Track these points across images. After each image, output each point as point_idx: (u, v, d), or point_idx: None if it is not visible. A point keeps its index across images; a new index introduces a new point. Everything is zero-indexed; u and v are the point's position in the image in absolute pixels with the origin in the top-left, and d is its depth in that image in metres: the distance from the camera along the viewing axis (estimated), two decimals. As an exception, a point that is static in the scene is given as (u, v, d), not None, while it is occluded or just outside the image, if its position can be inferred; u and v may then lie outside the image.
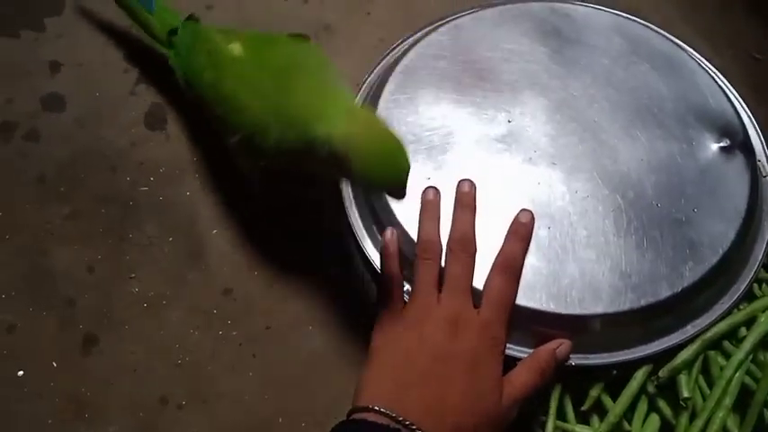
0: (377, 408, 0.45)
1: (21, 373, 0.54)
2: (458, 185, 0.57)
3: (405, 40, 0.72)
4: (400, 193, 0.51)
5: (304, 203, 0.63)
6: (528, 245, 0.56)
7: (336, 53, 0.71)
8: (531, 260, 0.56)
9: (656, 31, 0.71)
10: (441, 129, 0.63)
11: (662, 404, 0.55)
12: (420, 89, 0.65)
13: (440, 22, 0.72)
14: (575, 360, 0.55)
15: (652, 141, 0.62)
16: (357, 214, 0.62)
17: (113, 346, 0.55)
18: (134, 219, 0.61)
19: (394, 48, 0.72)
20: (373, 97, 0.66)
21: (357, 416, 0.46)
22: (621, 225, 0.58)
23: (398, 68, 0.67)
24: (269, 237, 0.61)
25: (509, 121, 0.63)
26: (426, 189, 0.57)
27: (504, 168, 0.61)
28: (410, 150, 0.58)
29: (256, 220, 0.62)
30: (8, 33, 0.69)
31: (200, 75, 0.55)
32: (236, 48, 0.53)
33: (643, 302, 0.54)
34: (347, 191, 0.62)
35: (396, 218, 0.58)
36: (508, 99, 0.65)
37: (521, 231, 0.56)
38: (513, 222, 0.56)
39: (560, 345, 0.53)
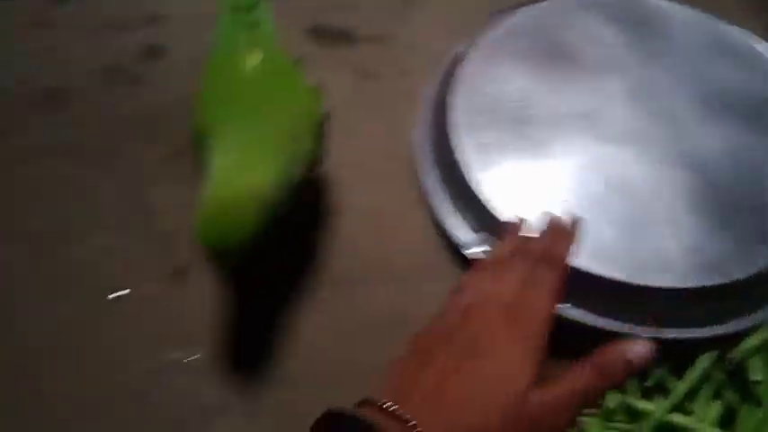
0: (379, 402, 0.38)
1: (116, 295, 0.56)
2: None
3: (491, 16, 0.74)
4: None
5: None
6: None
7: (424, 25, 0.73)
8: (608, 231, 0.58)
9: (736, 28, 0.73)
10: (520, 101, 0.65)
11: (727, 389, 0.55)
12: (502, 63, 0.68)
13: (521, 4, 0.75)
14: (648, 333, 0.56)
15: (732, 131, 0.63)
16: (433, 177, 0.64)
17: (202, 277, 0.58)
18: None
19: (476, 26, 0.74)
20: (454, 66, 0.69)
21: (351, 411, 0.38)
22: (696, 206, 0.59)
23: (482, 42, 0.70)
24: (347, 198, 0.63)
25: (588, 100, 0.65)
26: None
27: (582, 144, 0.62)
28: (490, 120, 0.61)
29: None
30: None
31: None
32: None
33: (715, 281, 0.56)
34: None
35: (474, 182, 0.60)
36: (588, 80, 0.67)
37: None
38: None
39: (634, 344, 0.43)
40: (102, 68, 0.68)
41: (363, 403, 0.39)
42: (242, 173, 0.47)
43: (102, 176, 0.62)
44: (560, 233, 0.50)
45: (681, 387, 0.54)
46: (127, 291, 0.56)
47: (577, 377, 0.42)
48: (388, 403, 0.37)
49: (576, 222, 0.52)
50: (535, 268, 0.46)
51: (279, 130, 0.50)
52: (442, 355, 0.41)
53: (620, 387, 0.42)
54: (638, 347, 0.43)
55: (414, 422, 0.36)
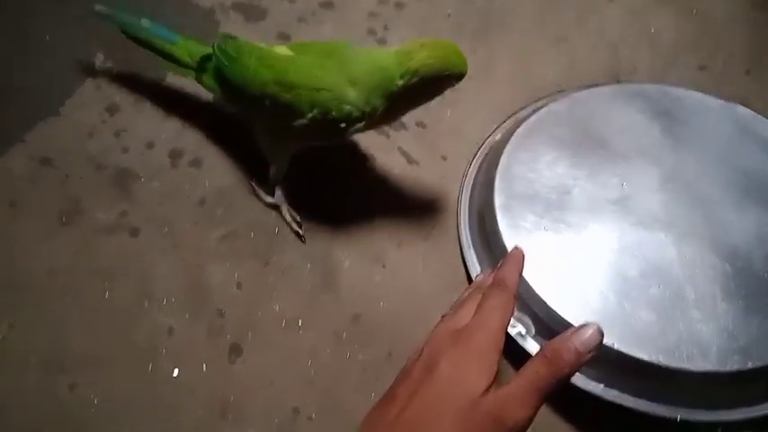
0: None
1: (176, 372, 0.60)
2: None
3: (525, 107, 0.79)
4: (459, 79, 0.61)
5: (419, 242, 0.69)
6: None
7: (463, 116, 0.78)
8: (641, 315, 0.60)
9: (763, 119, 0.76)
10: (558, 187, 0.68)
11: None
12: (539, 150, 0.72)
13: (558, 94, 0.79)
14: (680, 414, 0.58)
15: (763, 217, 0.66)
16: (474, 258, 0.68)
17: (255, 357, 0.62)
18: (278, 245, 0.68)
19: (515, 112, 0.79)
20: (494, 155, 0.73)
21: None
22: (729, 290, 0.61)
23: (519, 130, 0.74)
24: (396, 272, 0.67)
25: (622, 185, 0.68)
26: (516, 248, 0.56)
27: (617, 229, 0.66)
28: (529, 204, 0.65)
29: (383, 256, 0.68)
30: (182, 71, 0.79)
31: (256, 77, 0.61)
32: (282, 49, 0.62)
33: (750, 365, 0.58)
34: (465, 236, 0.69)
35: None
36: (622, 167, 0.70)
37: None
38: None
39: (583, 332, 0.45)
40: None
41: None
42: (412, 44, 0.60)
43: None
44: (511, 261, 0.54)
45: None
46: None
47: (530, 370, 0.44)
48: None
49: (521, 252, 0.55)
50: (488, 295, 0.50)
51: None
52: (403, 388, 0.46)
53: (571, 375, 0.44)
54: (587, 335, 0.45)
55: None
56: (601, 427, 0.60)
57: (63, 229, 0.67)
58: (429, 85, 0.60)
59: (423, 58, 0.58)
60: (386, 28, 0.86)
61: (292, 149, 0.68)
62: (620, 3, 0.92)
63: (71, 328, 0.62)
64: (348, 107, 0.59)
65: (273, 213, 0.70)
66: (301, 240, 0.68)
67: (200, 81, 0.68)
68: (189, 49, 0.68)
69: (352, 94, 0.59)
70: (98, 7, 0.71)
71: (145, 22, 0.69)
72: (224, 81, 0.65)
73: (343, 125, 0.60)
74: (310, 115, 0.60)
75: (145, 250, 0.67)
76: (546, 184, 0.69)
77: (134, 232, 0.68)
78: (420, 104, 0.63)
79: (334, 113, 0.59)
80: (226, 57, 0.63)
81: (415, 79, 0.59)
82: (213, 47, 0.65)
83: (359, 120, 0.60)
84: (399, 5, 0.89)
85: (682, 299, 0.61)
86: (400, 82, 0.59)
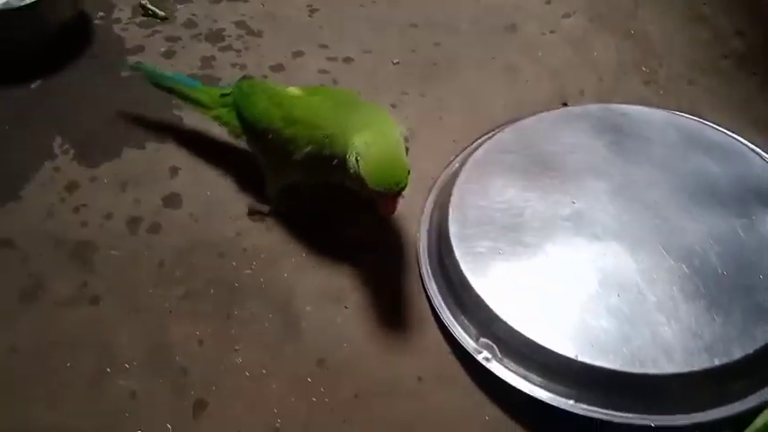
0: None
1: None
2: None
3: (477, 140, 0.80)
4: (389, 205, 0.61)
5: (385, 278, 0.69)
6: None
7: (417, 155, 0.79)
8: (603, 324, 0.60)
9: (708, 125, 0.77)
10: (510, 210, 0.69)
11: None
12: (490, 178, 0.73)
13: (505, 124, 0.81)
14: (654, 422, 0.57)
15: (713, 218, 0.66)
16: (436, 289, 0.68)
17: (220, 409, 0.61)
18: (239, 298, 0.68)
19: (468, 146, 0.80)
20: (447, 188, 0.74)
21: None
22: (689, 291, 0.61)
23: (470, 162, 0.75)
24: (359, 313, 0.67)
25: (573, 203, 0.69)
26: None
27: (572, 244, 0.66)
28: (484, 230, 0.66)
29: (345, 297, 0.68)
30: (137, 145, 0.81)
31: (263, 113, 0.68)
32: (294, 90, 0.69)
33: (717, 362, 0.57)
34: (425, 268, 0.69)
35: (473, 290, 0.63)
36: (572, 185, 0.71)
37: None
38: None
39: None
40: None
41: None
42: (384, 136, 0.61)
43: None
44: None
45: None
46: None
47: None
48: None
49: None
50: None
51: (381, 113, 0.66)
52: None
53: None
54: None
55: None
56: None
57: (23, 307, 0.68)
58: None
59: (362, 152, 0.59)
60: (335, 82, 0.89)
61: (291, 182, 0.72)
62: (560, 33, 0.95)
63: (35, 402, 0.62)
64: (337, 149, 0.62)
65: (232, 268, 0.70)
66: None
67: (218, 117, 0.75)
68: (208, 91, 0.76)
69: (342, 140, 0.62)
70: (132, 63, 0.88)
71: (168, 72, 0.81)
72: (239, 116, 0.72)
73: (334, 163, 0.63)
74: (307, 150, 0.64)
75: (106, 318, 0.67)
76: (498, 209, 0.69)
77: (94, 301, 0.68)
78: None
79: (326, 151, 0.63)
80: (242, 94, 0.71)
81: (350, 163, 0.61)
82: (234, 86, 0.73)
83: (342, 165, 0.62)
84: (347, 60, 0.92)
85: (642, 304, 0.61)
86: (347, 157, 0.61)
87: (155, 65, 0.85)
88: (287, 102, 0.68)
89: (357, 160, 0.59)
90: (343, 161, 0.62)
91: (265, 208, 0.74)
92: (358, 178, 0.59)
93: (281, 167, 0.70)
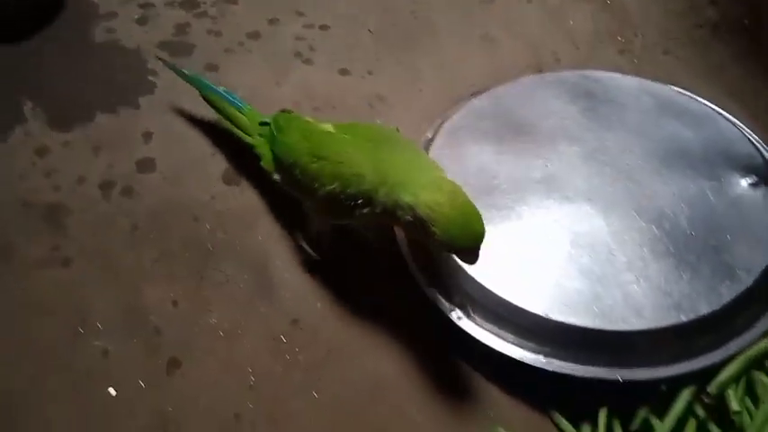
0: None
1: (113, 391, 0.60)
2: None
3: (452, 107, 0.81)
4: (473, 257, 0.57)
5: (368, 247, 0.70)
6: None
7: (394, 122, 0.79)
8: (575, 284, 0.60)
9: (681, 92, 0.78)
10: (484, 174, 0.69)
11: (710, 424, 0.56)
12: (464, 144, 0.73)
13: (480, 91, 0.81)
14: (622, 376, 0.58)
15: (683, 180, 0.67)
16: (410, 250, 0.68)
17: (194, 368, 0.61)
18: (213, 261, 0.68)
19: (443, 113, 0.80)
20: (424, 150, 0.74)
21: None
22: (659, 251, 0.62)
23: (444, 128, 0.75)
24: (334, 273, 0.67)
25: (546, 166, 0.70)
26: None
27: (543, 206, 0.66)
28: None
29: (323, 262, 0.68)
30: (109, 110, 0.80)
31: (294, 147, 0.64)
32: (328, 126, 0.65)
33: (684, 318, 0.58)
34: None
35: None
36: (545, 149, 0.71)
37: None
38: None
39: None
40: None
41: None
42: (444, 184, 0.56)
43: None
44: None
45: (665, 426, 0.56)
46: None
47: None
48: None
49: None
50: None
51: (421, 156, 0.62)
52: None
53: None
54: None
55: None
56: (548, 398, 0.60)
57: (-7, 268, 0.67)
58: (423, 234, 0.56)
59: (436, 215, 0.54)
60: (311, 49, 0.88)
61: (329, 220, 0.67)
62: (537, 2, 0.95)
63: (3, 363, 0.61)
64: (363, 188, 0.58)
65: (207, 231, 0.70)
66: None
67: (254, 146, 0.70)
68: (250, 115, 0.72)
69: (371, 178, 0.58)
70: (187, 71, 0.78)
71: (221, 89, 0.75)
72: (271, 150, 0.67)
73: (352, 203, 0.59)
74: (330, 188, 0.60)
75: (78, 280, 0.66)
76: (472, 173, 0.70)
77: (66, 263, 0.67)
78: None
79: (349, 190, 0.59)
80: (276, 126, 0.67)
81: (412, 220, 0.56)
82: (272, 118, 0.69)
83: (366, 205, 0.59)
84: (324, 27, 0.91)
85: (613, 264, 0.62)
86: (401, 213, 0.56)
87: (200, 74, 0.80)
88: (316, 137, 0.63)
89: (426, 219, 0.54)
90: (368, 201, 0.58)
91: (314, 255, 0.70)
92: (430, 236, 0.55)
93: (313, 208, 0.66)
